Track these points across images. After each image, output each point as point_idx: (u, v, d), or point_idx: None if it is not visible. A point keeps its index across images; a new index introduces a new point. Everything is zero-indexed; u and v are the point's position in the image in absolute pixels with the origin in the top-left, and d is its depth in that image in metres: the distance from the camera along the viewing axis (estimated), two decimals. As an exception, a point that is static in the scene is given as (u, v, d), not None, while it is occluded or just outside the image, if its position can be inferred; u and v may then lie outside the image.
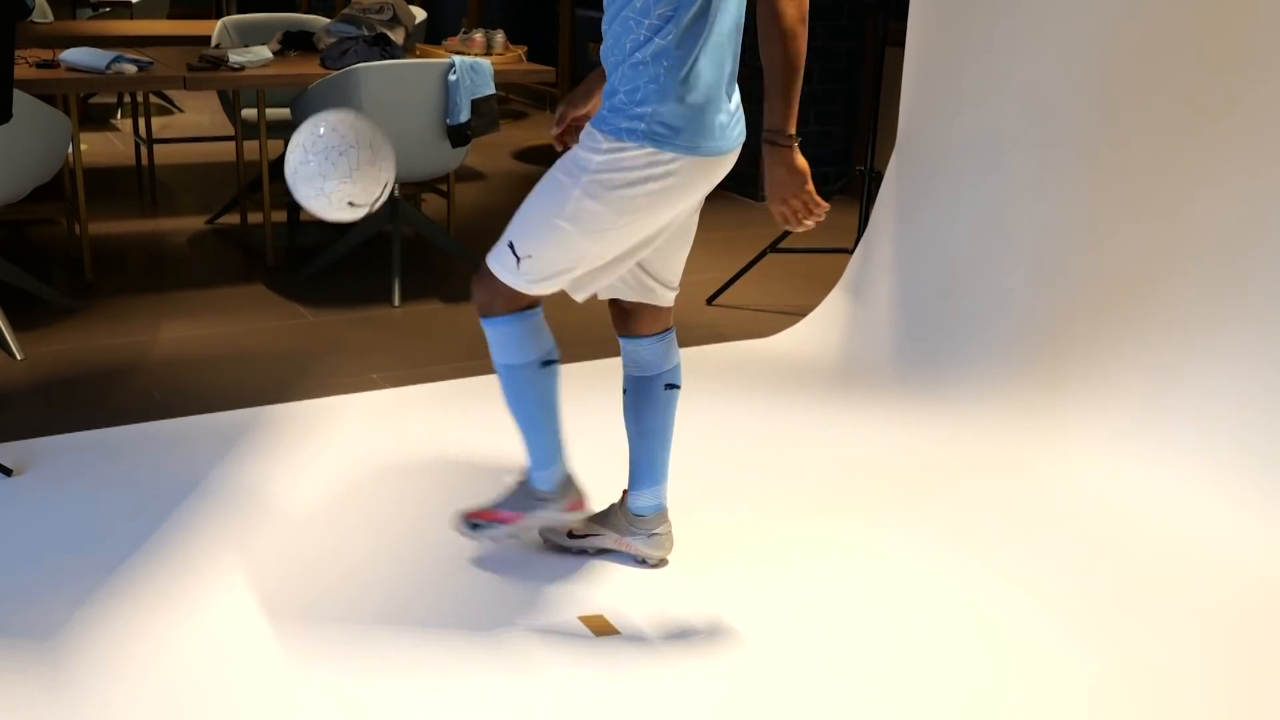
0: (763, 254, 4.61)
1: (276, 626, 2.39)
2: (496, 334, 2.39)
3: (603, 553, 2.69)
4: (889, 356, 3.86)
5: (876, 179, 4.46)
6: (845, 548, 2.79)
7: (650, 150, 2.17)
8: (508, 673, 2.28)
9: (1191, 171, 3.13)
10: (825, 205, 2.18)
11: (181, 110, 7.95)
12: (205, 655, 2.29)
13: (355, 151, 2.36)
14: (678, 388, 2.59)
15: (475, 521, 2.60)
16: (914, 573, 2.69)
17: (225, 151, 6.65)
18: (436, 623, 2.43)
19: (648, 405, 2.57)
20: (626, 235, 2.26)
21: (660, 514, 2.65)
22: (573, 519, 2.60)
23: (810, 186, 2.16)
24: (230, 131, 6.37)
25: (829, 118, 6.27)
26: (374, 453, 3.18)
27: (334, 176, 2.36)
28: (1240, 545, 2.82)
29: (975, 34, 3.67)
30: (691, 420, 3.25)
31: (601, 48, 2.26)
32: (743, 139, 2.31)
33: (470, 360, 3.86)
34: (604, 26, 2.23)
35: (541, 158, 7.05)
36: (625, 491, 2.68)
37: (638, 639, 2.40)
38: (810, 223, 2.18)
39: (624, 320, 2.56)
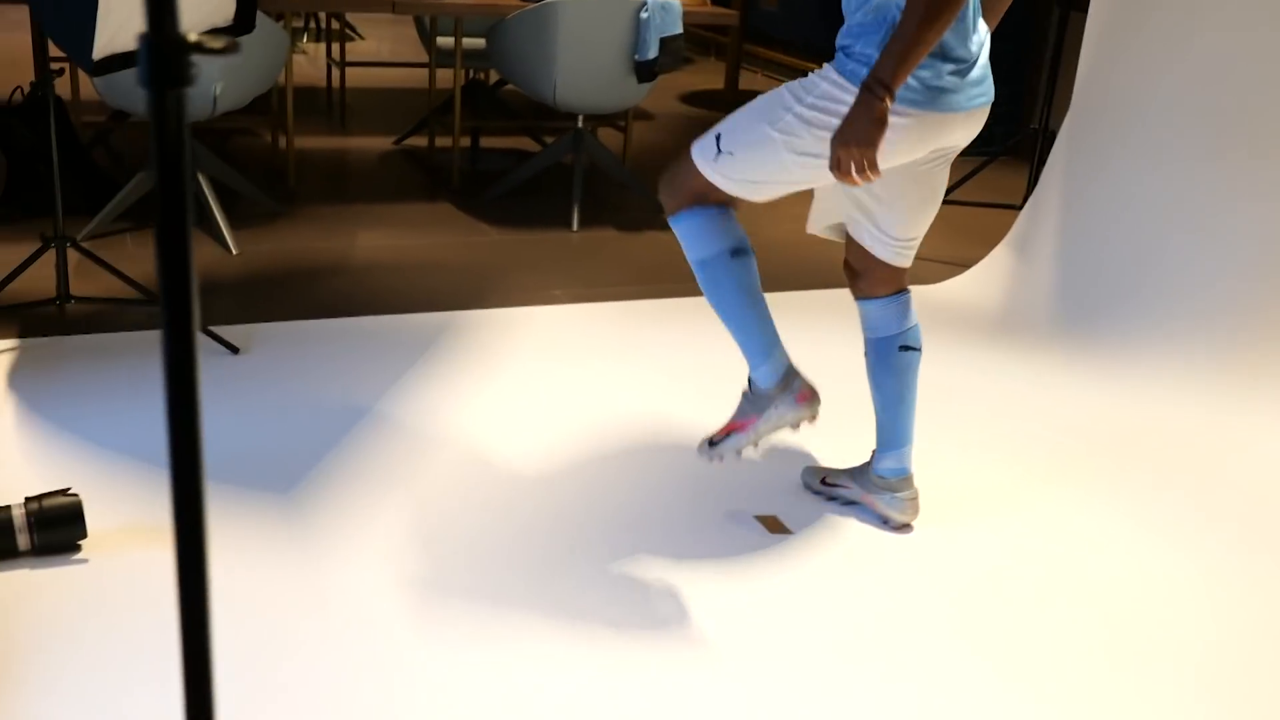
0: (929, 205, 4.70)
1: (453, 525, 2.65)
2: (685, 228, 2.41)
3: (850, 504, 2.73)
4: (1050, 314, 3.96)
5: (1049, 139, 4.53)
6: (1017, 497, 2.94)
7: None
8: (654, 625, 2.49)
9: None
10: (879, 173, 2.14)
11: (363, 38, 8.29)
12: (365, 550, 2.56)
13: None
14: (916, 350, 2.55)
15: (714, 439, 2.54)
16: (1083, 523, 2.83)
17: (410, 77, 6.95)
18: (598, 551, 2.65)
19: (883, 368, 2.57)
20: (826, 171, 2.25)
21: (904, 478, 2.63)
22: (807, 412, 2.47)
23: (878, 149, 2.11)
24: (417, 58, 6.67)
25: (996, 78, 6.27)
26: (561, 360, 3.41)
27: None
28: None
29: (1161, 1, 3.71)
30: (856, 361, 3.42)
31: None
32: (982, 102, 2.33)
33: (648, 284, 4.07)
34: None
35: (707, 102, 7.21)
36: (874, 451, 2.68)
37: (808, 541, 2.59)
38: (857, 179, 2.13)
39: (855, 281, 2.59)
